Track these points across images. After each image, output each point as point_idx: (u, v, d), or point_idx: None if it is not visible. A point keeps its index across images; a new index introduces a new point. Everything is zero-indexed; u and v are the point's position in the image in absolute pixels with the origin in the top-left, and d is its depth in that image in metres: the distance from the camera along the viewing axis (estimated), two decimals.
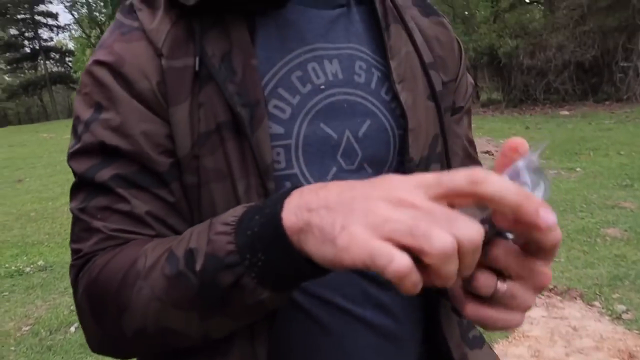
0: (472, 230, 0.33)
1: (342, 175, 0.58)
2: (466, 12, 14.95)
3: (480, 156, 0.79)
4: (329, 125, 0.58)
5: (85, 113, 0.54)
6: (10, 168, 9.23)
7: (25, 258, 4.16)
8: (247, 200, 0.53)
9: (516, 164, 0.38)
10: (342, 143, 0.58)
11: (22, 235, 4.84)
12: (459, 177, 0.34)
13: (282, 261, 0.42)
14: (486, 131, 8.36)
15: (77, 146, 0.54)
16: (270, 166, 0.53)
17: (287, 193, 0.42)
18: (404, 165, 0.61)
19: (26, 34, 35.28)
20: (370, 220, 0.35)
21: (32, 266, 3.94)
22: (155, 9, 0.56)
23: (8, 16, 33.91)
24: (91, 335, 0.54)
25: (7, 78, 39.38)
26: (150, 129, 0.53)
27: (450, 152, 0.68)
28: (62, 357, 2.59)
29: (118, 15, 0.59)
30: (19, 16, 34.43)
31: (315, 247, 0.38)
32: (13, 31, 35.11)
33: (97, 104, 0.54)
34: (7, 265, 4.01)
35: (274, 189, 0.53)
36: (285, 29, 0.58)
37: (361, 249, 0.34)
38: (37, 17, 35.07)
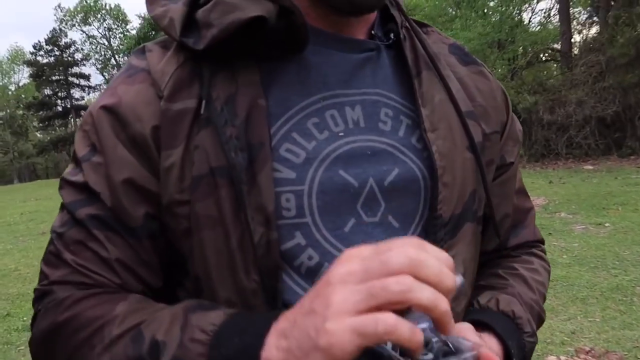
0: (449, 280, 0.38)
1: (362, 228, 0.54)
2: None
3: None
4: (349, 172, 0.53)
5: (82, 150, 0.55)
6: (36, 221, 9.38)
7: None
8: (240, 251, 0.50)
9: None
10: (364, 192, 0.54)
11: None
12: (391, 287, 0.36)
13: None
14: None
15: (68, 177, 0.55)
16: (273, 214, 0.50)
17: (275, 317, 0.42)
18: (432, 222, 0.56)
19: (59, 94, 37.07)
20: (335, 309, 0.36)
21: None
22: (166, 50, 0.56)
23: (44, 77, 35.81)
24: None
25: (38, 135, 41.06)
26: (134, 176, 0.52)
27: (496, 213, 0.64)
28: None
29: (130, 57, 0.58)
30: (53, 77, 36.33)
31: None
32: (47, 91, 36.96)
33: (92, 145, 0.54)
34: (24, 318, 3.97)
35: (277, 239, 0.50)
36: (306, 72, 0.55)
37: (345, 333, 0.35)
38: (70, 79, 36.96)
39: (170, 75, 0.53)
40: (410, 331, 0.36)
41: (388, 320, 0.35)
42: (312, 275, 0.52)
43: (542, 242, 0.74)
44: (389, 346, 0.42)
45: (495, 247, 0.69)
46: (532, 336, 0.59)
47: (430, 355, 0.40)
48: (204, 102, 0.51)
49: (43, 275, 0.55)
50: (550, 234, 4.99)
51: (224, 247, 0.50)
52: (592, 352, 2.70)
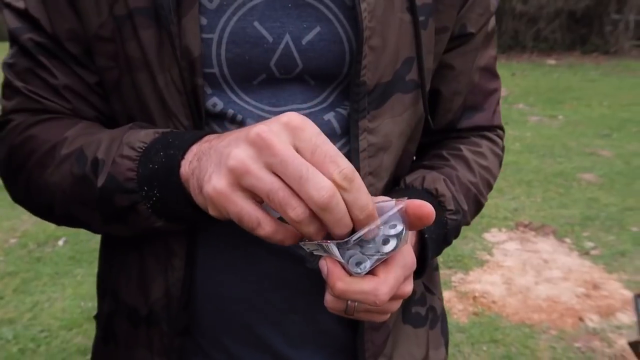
0: (321, 192, 0.34)
1: (273, 82, 0.51)
2: None
3: None
4: (265, 25, 0.49)
5: None
6: None
7: None
8: (168, 94, 0.49)
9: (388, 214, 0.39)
10: (279, 49, 0.49)
11: None
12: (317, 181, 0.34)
13: (174, 203, 0.44)
14: None
15: (10, 1, 0.53)
16: (198, 60, 0.47)
17: (198, 137, 0.44)
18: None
19: None
20: (228, 165, 0.36)
21: None
22: None
23: None
24: (10, 192, 0.56)
25: None
26: (65, 13, 0.50)
27: (444, 88, 0.60)
28: (52, 268, 2.65)
29: None
30: None
31: (194, 196, 0.41)
32: None
33: None
34: None
35: (203, 86, 0.49)
36: None
37: (226, 206, 0.37)
38: None
39: None
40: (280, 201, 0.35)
41: (267, 227, 0.37)
42: (220, 119, 0.51)
43: (500, 127, 0.68)
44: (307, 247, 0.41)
45: (444, 127, 0.64)
46: (455, 214, 0.57)
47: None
48: None
49: (1, 108, 0.55)
50: (506, 123, 5.17)
51: (152, 90, 0.49)
52: (530, 225, 3.03)
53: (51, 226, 3.12)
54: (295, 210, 0.35)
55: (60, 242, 2.92)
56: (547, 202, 3.36)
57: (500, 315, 2.22)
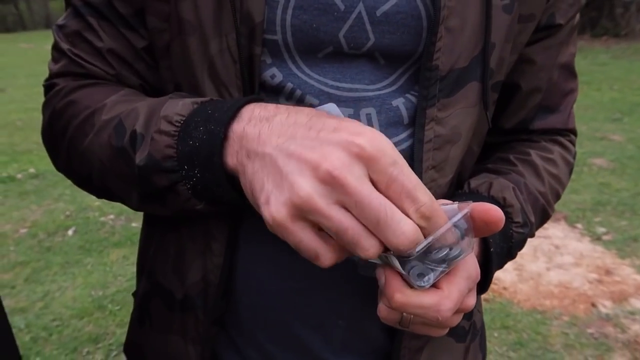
0: (401, 238, 0.32)
1: (340, 57, 0.46)
2: None
3: None
4: None
5: None
6: None
7: (15, 165, 4.13)
8: (221, 62, 0.45)
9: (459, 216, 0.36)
10: (350, 19, 0.44)
11: (10, 144, 4.77)
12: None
13: (216, 186, 0.40)
14: None
15: None
16: (260, 26, 0.43)
17: (238, 108, 0.40)
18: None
19: None
20: (293, 199, 0.33)
21: (23, 173, 3.93)
22: None
23: None
24: (52, 161, 0.55)
25: None
26: None
27: (524, 83, 0.55)
28: (62, 258, 2.66)
29: None
30: None
31: (246, 194, 0.38)
32: None
33: None
34: None
35: (260, 55, 0.45)
36: None
37: (284, 235, 0.34)
38: None
39: None
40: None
41: (325, 261, 0.35)
42: (276, 93, 0.47)
43: (574, 132, 0.63)
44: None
45: (514, 126, 0.59)
46: (522, 227, 0.52)
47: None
48: None
49: (49, 71, 0.54)
50: None
51: (204, 57, 0.45)
52: None
53: (60, 216, 3.13)
54: (368, 252, 0.33)
55: (70, 232, 2.93)
56: None
57: (512, 301, 2.21)
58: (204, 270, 0.50)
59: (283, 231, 0.34)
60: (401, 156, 0.33)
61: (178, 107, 0.42)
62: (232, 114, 0.40)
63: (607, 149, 3.98)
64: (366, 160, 0.32)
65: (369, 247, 0.33)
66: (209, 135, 0.39)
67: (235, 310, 0.52)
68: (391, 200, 0.32)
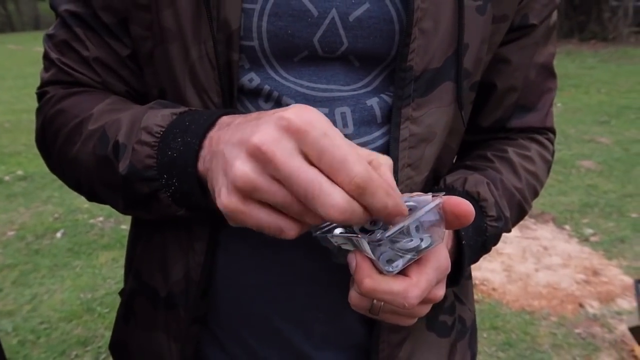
0: (331, 210, 0.31)
1: (315, 60, 0.47)
2: None
3: None
4: None
5: None
6: None
7: (3, 167, 4.10)
8: (201, 68, 0.46)
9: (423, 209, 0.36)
10: (324, 24, 0.45)
11: None
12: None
13: (192, 195, 0.42)
14: None
15: None
16: (236, 33, 0.44)
17: (213, 121, 0.41)
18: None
19: None
20: (234, 181, 0.33)
21: (11, 175, 3.89)
22: None
23: None
24: (47, 164, 0.57)
25: None
26: None
27: (499, 82, 0.56)
28: (50, 260, 2.63)
29: None
30: None
31: (212, 196, 0.38)
32: None
33: None
34: None
35: (238, 61, 0.46)
36: None
37: (244, 221, 0.34)
38: None
39: None
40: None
41: (289, 232, 0.35)
42: (254, 96, 0.48)
43: (552, 130, 0.63)
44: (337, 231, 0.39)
45: (491, 125, 0.60)
46: (497, 220, 0.53)
47: (380, 231, 0.36)
48: None
49: (40, 79, 0.56)
50: None
51: (184, 64, 0.46)
52: (530, 212, 3.02)
53: (49, 218, 3.10)
54: (315, 219, 0.33)
55: (59, 234, 2.90)
56: (546, 189, 3.35)
57: (501, 302, 2.22)
58: (185, 269, 0.51)
59: (239, 216, 0.34)
60: (334, 128, 0.32)
61: (158, 118, 0.44)
62: (208, 126, 0.41)
63: (595, 151, 4.03)
64: (295, 134, 0.32)
65: (313, 217, 0.33)
66: (185, 146, 0.41)
67: (217, 307, 0.53)
68: (324, 173, 0.31)
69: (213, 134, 0.40)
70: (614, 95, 5.89)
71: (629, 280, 2.31)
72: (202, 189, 0.41)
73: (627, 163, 3.76)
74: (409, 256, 0.37)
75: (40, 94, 0.55)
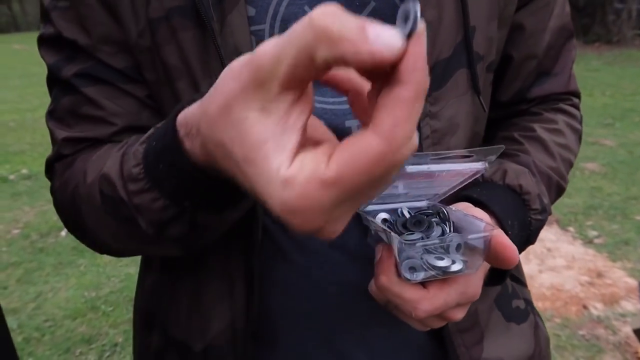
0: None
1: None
2: None
3: None
4: (313, 6, 0.43)
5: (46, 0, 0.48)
6: None
7: (8, 166, 4.11)
8: None
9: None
10: None
11: (3, 145, 4.74)
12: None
13: (208, 193, 0.37)
14: None
15: (42, 33, 0.49)
16: None
17: (172, 128, 0.34)
18: None
19: None
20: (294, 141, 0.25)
21: (15, 174, 3.91)
22: None
23: None
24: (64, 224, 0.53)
25: None
26: (103, 21, 0.46)
27: (516, 51, 0.54)
28: (55, 258, 2.64)
29: None
30: None
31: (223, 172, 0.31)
32: None
33: None
34: None
35: None
36: None
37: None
38: None
39: None
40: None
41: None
42: None
43: (576, 94, 0.60)
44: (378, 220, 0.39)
45: (511, 98, 0.57)
46: (541, 213, 0.50)
47: (419, 235, 0.35)
48: None
49: (52, 143, 0.51)
50: None
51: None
52: None
53: (53, 217, 3.12)
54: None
55: (63, 233, 2.91)
56: None
57: None
58: (228, 317, 0.47)
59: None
60: None
61: (131, 160, 0.39)
62: (172, 136, 0.35)
63: (599, 154, 4.02)
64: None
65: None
66: (169, 167, 0.35)
67: (272, 344, 0.49)
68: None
69: (181, 136, 0.34)
70: (618, 98, 5.88)
71: (633, 283, 2.30)
72: (215, 188, 0.36)
73: (632, 165, 3.75)
74: (432, 272, 0.36)
75: (48, 166, 0.51)
